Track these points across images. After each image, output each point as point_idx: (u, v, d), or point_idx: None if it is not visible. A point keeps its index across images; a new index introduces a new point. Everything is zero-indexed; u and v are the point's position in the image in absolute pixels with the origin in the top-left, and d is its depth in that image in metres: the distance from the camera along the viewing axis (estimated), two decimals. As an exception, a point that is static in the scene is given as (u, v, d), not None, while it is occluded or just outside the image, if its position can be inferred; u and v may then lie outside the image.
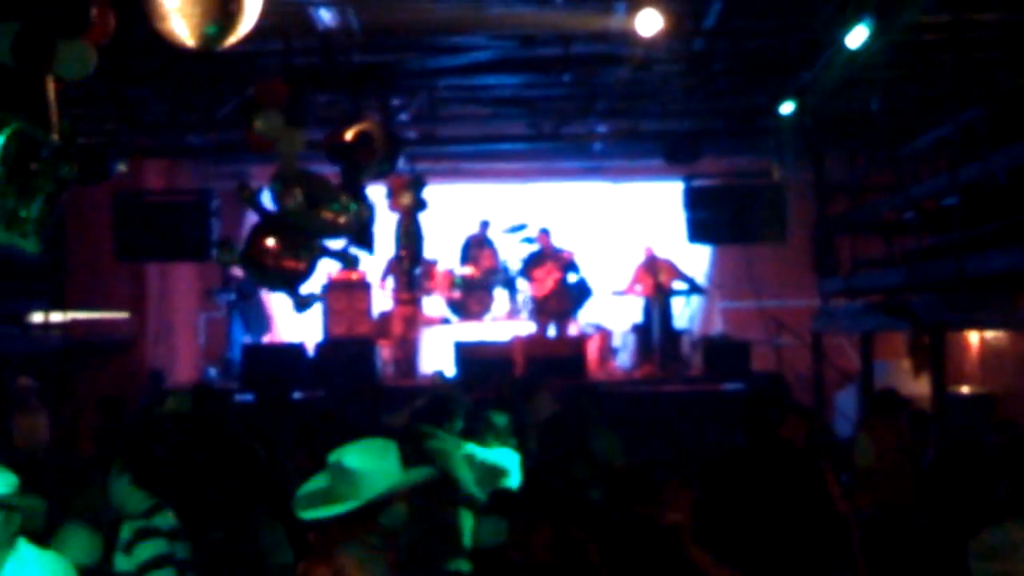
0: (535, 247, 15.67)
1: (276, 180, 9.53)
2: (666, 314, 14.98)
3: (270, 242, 9.45)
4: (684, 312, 15.81)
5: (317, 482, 4.55)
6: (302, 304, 9.83)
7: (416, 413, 8.15)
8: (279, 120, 9.35)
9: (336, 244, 10.05)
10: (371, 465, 4.43)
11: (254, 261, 9.53)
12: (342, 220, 9.66)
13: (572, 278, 15.44)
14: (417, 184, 14.20)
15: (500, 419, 7.55)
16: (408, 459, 6.12)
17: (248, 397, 12.79)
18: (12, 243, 6.48)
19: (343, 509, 4.33)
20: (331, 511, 4.35)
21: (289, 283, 9.66)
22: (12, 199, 6.29)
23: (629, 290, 15.45)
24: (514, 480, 7.23)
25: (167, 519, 5.55)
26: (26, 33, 5.99)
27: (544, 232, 15.64)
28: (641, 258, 15.37)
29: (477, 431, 7.53)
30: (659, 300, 14.90)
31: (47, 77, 6.26)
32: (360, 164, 10.02)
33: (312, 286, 10.17)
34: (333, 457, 4.46)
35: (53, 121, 6.42)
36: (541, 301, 15.37)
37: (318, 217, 9.50)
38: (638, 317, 15.51)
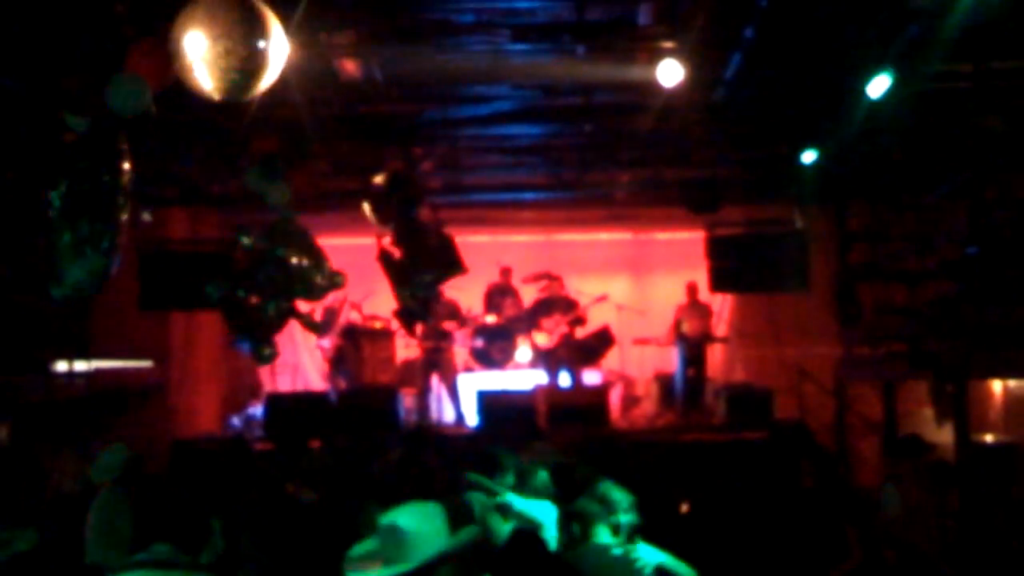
0: (544, 295, 15.57)
1: (266, 231, 9.70)
2: (689, 363, 14.95)
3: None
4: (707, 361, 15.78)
5: (368, 544, 4.55)
6: (260, 356, 9.91)
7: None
8: (261, 175, 9.57)
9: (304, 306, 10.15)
10: (422, 527, 4.43)
11: (228, 303, 9.63)
12: (317, 281, 9.73)
13: (582, 329, 15.37)
14: None
15: (541, 475, 7.41)
16: (451, 513, 6.07)
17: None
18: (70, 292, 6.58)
19: (393, 573, 4.35)
20: (382, 575, 4.36)
21: (253, 330, 9.72)
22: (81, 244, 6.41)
23: (652, 339, 15.45)
24: (549, 534, 7.09)
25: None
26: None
27: (554, 280, 15.55)
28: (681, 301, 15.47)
29: (524, 487, 7.39)
30: (682, 348, 14.88)
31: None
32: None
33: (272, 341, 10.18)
34: (385, 519, 4.47)
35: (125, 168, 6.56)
36: (548, 351, 15.29)
37: (295, 274, 9.59)
38: (661, 365, 15.49)
